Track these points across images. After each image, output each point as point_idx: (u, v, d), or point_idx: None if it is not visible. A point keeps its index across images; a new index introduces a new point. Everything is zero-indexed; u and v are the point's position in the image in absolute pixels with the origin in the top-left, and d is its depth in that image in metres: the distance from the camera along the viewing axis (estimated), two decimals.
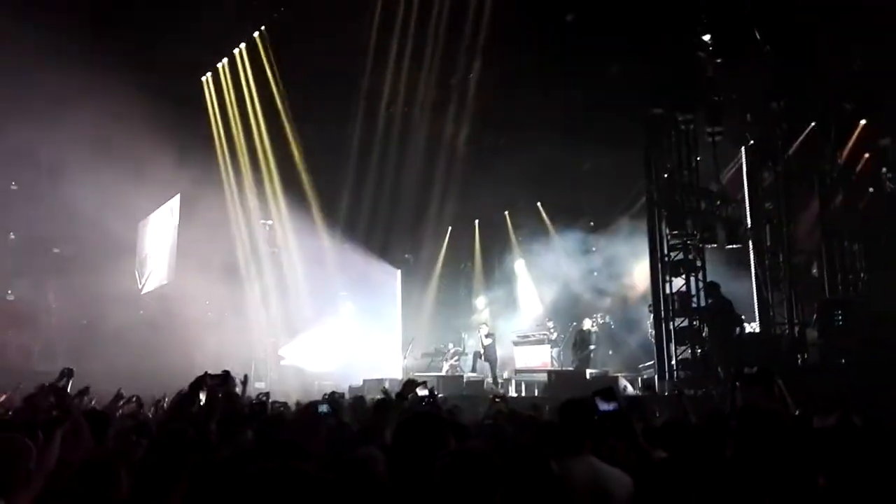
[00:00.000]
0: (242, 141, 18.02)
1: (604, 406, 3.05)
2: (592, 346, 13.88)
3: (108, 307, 16.23)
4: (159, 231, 19.60)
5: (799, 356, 10.56)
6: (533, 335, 15.44)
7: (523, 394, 13.43)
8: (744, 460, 2.63)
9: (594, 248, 15.79)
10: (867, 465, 2.79)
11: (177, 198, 18.29)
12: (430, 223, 18.92)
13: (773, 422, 2.78)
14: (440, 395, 7.84)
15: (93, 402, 6.56)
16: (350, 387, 14.13)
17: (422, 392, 4.15)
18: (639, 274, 14.30)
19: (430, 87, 17.09)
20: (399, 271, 19.47)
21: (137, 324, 16.67)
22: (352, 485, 2.66)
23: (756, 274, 12.12)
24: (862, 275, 11.72)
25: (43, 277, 18.21)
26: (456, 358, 15.85)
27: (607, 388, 3.21)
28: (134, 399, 6.91)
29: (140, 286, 19.64)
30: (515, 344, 15.46)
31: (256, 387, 15.19)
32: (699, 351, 10.88)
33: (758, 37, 11.19)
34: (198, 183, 16.61)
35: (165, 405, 7.27)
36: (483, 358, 14.75)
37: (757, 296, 11.92)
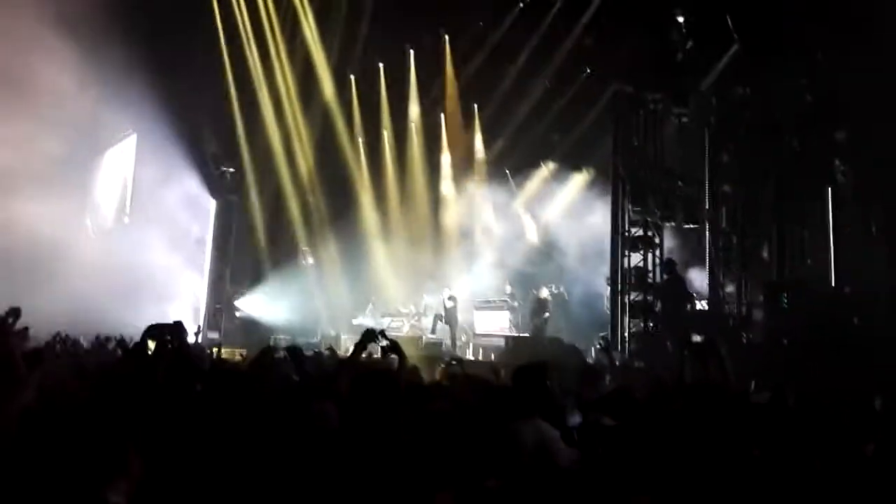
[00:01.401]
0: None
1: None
2: (548, 314, 14.16)
3: (56, 247, 15.71)
4: (113, 170, 18.96)
5: (744, 334, 10.99)
6: (493, 300, 15.65)
7: (481, 357, 13.66)
8: (687, 430, 2.78)
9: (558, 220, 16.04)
10: (796, 440, 2.98)
11: (133, 136, 17.68)
12: (398, 183, 18.86)
13: (717, 395, 2.93)
14: None
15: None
16: (307, 342, 14.14)
17: (382, 343, 4.14)
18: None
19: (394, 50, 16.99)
20: (361, 227, 19.37)
21: (87, 266, 16.23)
22: (304, 439, 2.70)
23: (709, 253, 12.47)
24: (808, 260, 12.17)
25: None
26: (416, 319, 15.96)
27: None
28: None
29: (91, 226, 19.07)
30: (477, 308, 15.64)
31: (210, 337, 15.11)
32: (650, 325, 11.22)
33: (730, 24, 11.34)
34: (155, 122, 16.02)
35: (110, 347, 7.17)
36: (444, 320, 14.87)
37: (709, 275, 12.29)
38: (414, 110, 18.19)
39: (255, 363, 3.84)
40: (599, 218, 14.22)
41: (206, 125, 17.63)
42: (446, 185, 18.24)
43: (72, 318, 11.66)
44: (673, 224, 11.74)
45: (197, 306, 16.41)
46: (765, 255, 12.28)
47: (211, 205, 17.90)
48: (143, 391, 3.28)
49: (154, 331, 3.91)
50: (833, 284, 10.52)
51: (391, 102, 18.17)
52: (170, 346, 3.89)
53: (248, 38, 17.24)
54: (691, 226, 11.95)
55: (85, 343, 8.96)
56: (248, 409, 3.03)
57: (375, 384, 2.83)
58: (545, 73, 15.13)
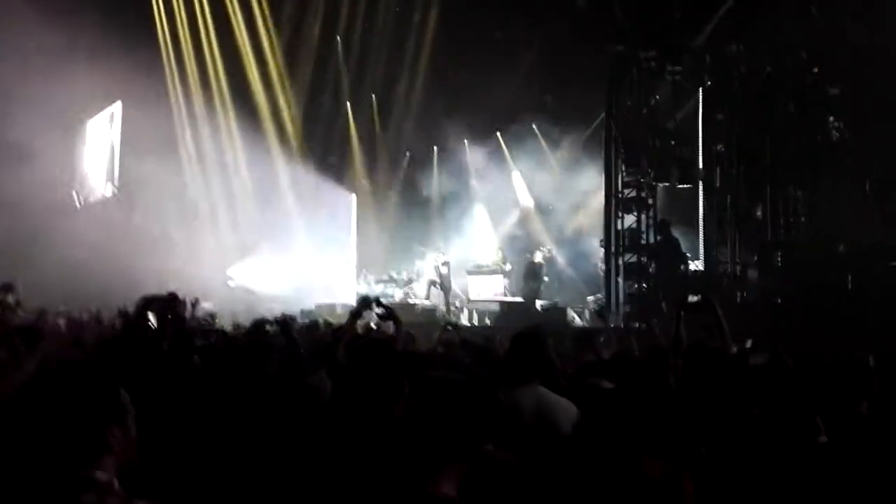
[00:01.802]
0: (191, 47, 17.08)
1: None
2: (545, 279, 14.17)
3: (42, 218, 15.50)
4: (98, 140, 18.63)
5: (738, 294, 11.03)
6: (487, 265, 15.62)
7: (475, 323, 13.69)
8: (686, 391, 2.76)
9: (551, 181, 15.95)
10: (795, 399, 2.98)
11: (118, 104, 17.32)
12: (389, 148, 18.67)
13: (716, 357, 2.91)
14: None
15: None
16: (301, 310, 14.11)
17: (378, 310, 4.10)
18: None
19: (390, 12, 16.63)
20: (354, 195, 19.23)
21: (75, 238, 16.04)
22: (301, 412, 2.67)
23: (703, 214, 12.44)
24: (802, 219, 12.16)
25: None
26: (409, 285, 15.94)
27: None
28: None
29: (78, 198, 18.83)
30: (469, 273, 15.63)
31: (204, 307, 15.03)
32: (645, 286, 11.24)
33: None
34: (141, 89, 15.71)
35: (102, 319, 7.10)
36: (438, 286, 14.85)
37: (703, 235, 12.28)
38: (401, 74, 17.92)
39: (249, 336, 3.80)
40: (592, 179, 14.15)
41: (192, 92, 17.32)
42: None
43: (66, 291, 11.58)
44: (667, 184, 11.67)
45: (191, 276, 16.29)
46: (759, 214, 12.26)
47: (200, 173, 17.66)
48: (145, 364, 3.24)
49: (149, 303, 3.82)
50: (827, 243, 10.52)
51: (376, 65, 17.88)
52: (169, 318, 3.82)
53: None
54: (685, 186, 11.89)
55: (85, 316, 8.88)
56: (246, 383, 3.00)
57: (372, 352, 2.80)
58: (536, 32, 14.83)
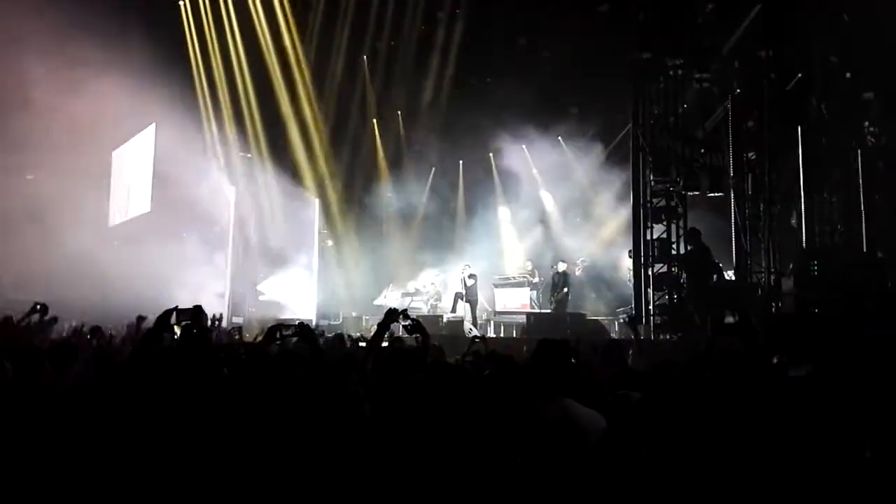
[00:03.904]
0: (222, 71, 17.44)
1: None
2: (567, 289, 14.02)
3: (80, 238, 15.91)
4: (133, 161, 19.10)
5: (773, 304, 10.76)
6: (513, 277, 15.53)
7: (502, 335, 13.59)
8: (720, 404, 2.66)
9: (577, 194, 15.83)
10: (838, 412, 2.85)
11: (152, 127, 17.76)
12: (413, 161, 18.76)
13: (752, 368, 2.81)
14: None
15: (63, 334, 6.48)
16: (329, 324, 14.19)
17: (404, 322, 4.06)
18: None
19: (416, 21, 16.74)
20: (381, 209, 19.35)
21: (110, 256, 16.42)
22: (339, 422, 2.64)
23: (735, 222, 12.21)
24: (839, 226, 11.85)
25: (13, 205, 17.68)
26: (436, 297, 15.92)
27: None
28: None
29: (114, 218, 19.28)
30: (496, 286, 15.55)
31: (234, 321, 15.22)
32: (676, 297, 11.04)
33: None
34: (174, 112, 16.10)
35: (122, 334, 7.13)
36: (464, 298, 14.80)
37: (735, 244, 12.04)
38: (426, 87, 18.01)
39: (263, 343, 3.74)
40: (619, 190, 14.00)
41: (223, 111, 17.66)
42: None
43: (102, 311, 11.78)
44: (697, 193, 11.48)
45: (221, 292, 16.50)
46: (793, 222, 11.98)
47: (230, 191, 17.96)
48: (167, 379, 3.24)
49: (175, 316, 3.82)
50: (865, 250, 10.22)
51: (401, 80, 18.00)
52: (194, 331, 3.81)
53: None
54: (716, 194, 11.68)
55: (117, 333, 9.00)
56: (277, 393, 2.98)
57: (403, 363, 2.75)
58: (560, 42, 14.80)
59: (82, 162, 16.19)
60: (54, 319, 6.15)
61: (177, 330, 3.62)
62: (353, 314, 16.01)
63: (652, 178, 11.70)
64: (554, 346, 3.30)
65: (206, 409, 3.05)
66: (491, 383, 3.67)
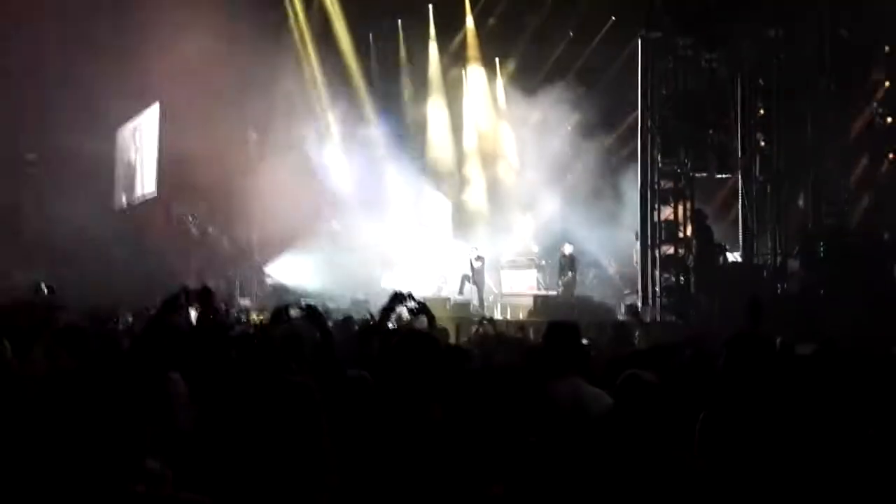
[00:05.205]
0: None
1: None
2: (573, 272, 14.01)
3: (86, 217, 15.85)
4: (139, 140, 18.98)
5: (779, 286, 10.76)
6: (520, 259, 15.52)
7: (509, 317, 13.62)
8: (733, 383, 2.70)
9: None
10: (844, 389, 2.89)
11: (156, 106, 17.61)
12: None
13: (760, 347, 2.84)
14: None
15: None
16: (337, 307, 14.21)
17: (410, 304, 4.03)
18: None
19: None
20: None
21: (117, 236, 16.39)
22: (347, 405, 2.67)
23: (742, 203, 12.16)
24: (845, 207, 11.80)
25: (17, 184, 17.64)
26: (442, 280, 15.92)
27: None
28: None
29: (120, 199, 19.24)
30: (503, 268, 15.55)
31: (242, 304, 15.27)
32: (682, 278, 11.04)
33: None
34: (182, 89, 15.88)
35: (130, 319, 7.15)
36: (471, 281, 14.78)
37: (742, 225, 12.00)
38: (435, 66, 17.88)
39: (270, 325, 3.75)
40: (627, 171, 13.90)
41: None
42: (469, 140, 18.04)
43: (113, 295, 11.80)
44: (705, 174, 11.43)
45: (230, 274, 16.51)
46: (800, 203, 11.93)
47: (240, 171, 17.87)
48: (178, 357, 3.27)
49: (180, 296, 3.80)
50: (871, 231, 10.20)
51: (411, 59, 17.88)
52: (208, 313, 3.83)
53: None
54: (724, 175, 11.62)
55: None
56: (282, 376, 3.02)
57: (416, 346, 2.76)
58: (569, 22, 14.65)
59: (86, 139, 16.04)
60: (62, 307, 6.17)
61: (192, 312, 3.64)
62: (361, 297, 16.03)
63: (660, 159, 11.64)
64: (563, 327, 3.33)
65: (216, 388, 3.09)
66: (502, 369, 3.70)
